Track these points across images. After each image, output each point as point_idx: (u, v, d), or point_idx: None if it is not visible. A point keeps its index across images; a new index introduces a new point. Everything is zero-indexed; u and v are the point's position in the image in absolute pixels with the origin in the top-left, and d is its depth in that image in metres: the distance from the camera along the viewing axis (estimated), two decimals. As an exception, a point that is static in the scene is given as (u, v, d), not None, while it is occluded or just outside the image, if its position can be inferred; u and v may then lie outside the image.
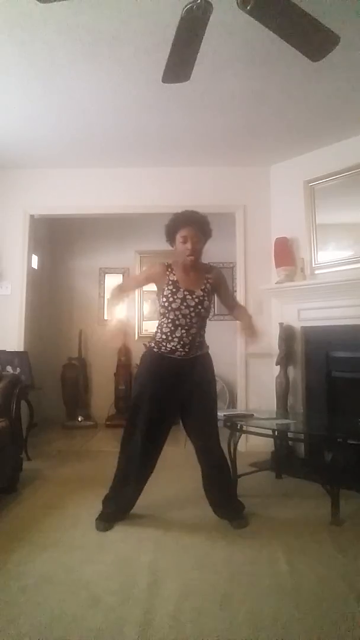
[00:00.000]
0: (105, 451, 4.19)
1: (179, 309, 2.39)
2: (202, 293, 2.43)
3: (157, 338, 2.47)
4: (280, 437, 3.34)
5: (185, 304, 2.39)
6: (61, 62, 2.72)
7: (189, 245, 2.40)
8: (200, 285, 2.44)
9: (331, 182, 3.81)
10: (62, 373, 5.55)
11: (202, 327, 2.48)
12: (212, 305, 2.51)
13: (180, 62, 2.10)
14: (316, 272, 3.87)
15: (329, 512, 2.50)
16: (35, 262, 4.99)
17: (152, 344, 2.49)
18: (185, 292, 2.41)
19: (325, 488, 2.62)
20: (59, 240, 5.85)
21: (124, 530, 2.38)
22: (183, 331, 2.40)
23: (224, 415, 3.09)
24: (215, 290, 2.54)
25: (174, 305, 2.39)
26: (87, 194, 4.37)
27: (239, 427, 3.00)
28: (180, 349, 2.42)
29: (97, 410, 5.62)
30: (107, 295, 2.92)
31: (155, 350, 2.47)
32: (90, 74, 2.85)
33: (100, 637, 1.53)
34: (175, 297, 2.40)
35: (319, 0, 2.15)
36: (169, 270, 2.47)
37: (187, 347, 2.42)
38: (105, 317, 5.84)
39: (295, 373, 3.92)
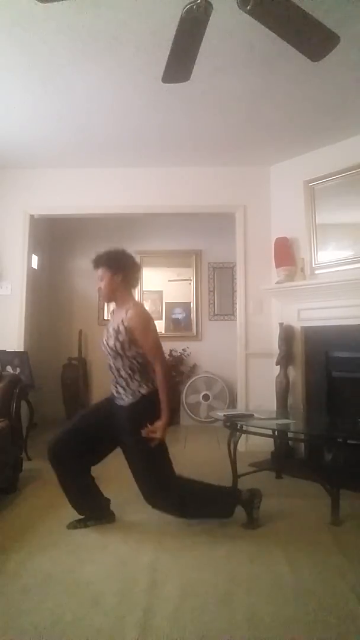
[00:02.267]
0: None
1: (103, 349, 2.41)
2: (112, 332, 2.33)
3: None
4: (280, 437, 3.34)
5: (103, 343, 2.40)
6: (61, 62, 2.72)
7: (100, 285, 2.45)
8: (115, 325, 2.35)
9: (331, 182, 3.81)
10: (62, 373, 5.55)
11: (119, 368, 2.34)
12: (128, 348, 2.29)
13: (180, 62, 2.10)
14: (316, 272, 3.87)
15: (329, 512, 2.50)
16: (35, 262, 4.99)
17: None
18: (105, 332, 2.42)
19: (325, 488, 2.62)
20: (59, 240, 5.85)
21: (124, 530, 2.38)
22: (110, 370, 2.41)
23: (224, 415, 3.09)
24: (132, 334, 2.29)
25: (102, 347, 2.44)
26: (87, 194, 4.37)
27: (239, 427, 3.00)
28: (114, 388, 2.41)
29: (97, 410, 5.61)
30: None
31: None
32: (90, 74, 2.85)
33: (100, 637, 1.53)
34: (103, 339, 2.43)
35: (319, 0, 2.15)
36: (111, 313, 2.56)
37: (113, 386, 2.41)
38: (106, 317, 5.85)
39: (295, 373, 3.92)
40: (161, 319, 5.89)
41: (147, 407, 2.29)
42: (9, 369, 3.89)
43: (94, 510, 2.48)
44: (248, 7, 1.77)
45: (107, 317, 5.87)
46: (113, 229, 5.60)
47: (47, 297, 5.65)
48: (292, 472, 3.33)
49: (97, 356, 5.68)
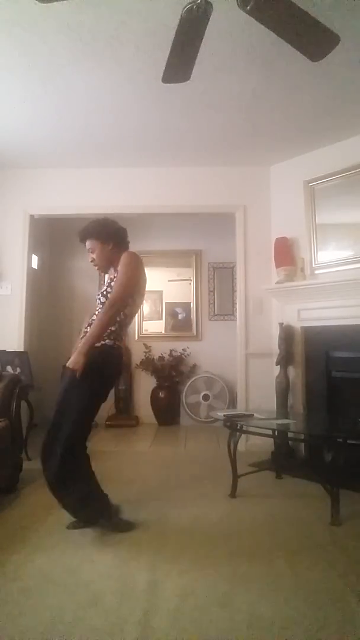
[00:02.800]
0: (105, 451, 4.18)
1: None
2: (106, 287, 2.38)
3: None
4: (280, 437, 3.34)
5: (97, 301, 2.39)
6: (61, 62, 2.72)
7: (91, 257, 2.50)
8: (113, 275, 2.43)
9: (331, 182, 3.81)
10: (62, 373, 5.54)
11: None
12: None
13: (180, 62, 2.10)
14: (316, 272, 3.87)
15: (329, 512, 2.50)
16: (35, 262, 4.99)
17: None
18: (99, 291, 2.44)
19: (325, 488, 2.62)
20: (59, 240, 5.85)
21: (124, 530, 2.37)
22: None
23: (224, 415, 3.09)
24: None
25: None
26: (87, 194, 4.37)
27: (239, 427, 3.00)
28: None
29: (97, 410, 5.61)
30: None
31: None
32: (90, 74, 2.85)
33: (100, 637, 1.53)
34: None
35: (319, 0, 2.15)
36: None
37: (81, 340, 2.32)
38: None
39: (295, 373, 3.92)
40: (161, 319, 5.89)
41: (100, 356, 2.23)
42: (9, 369, 3.89)
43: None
44: (248, 7, 1.77)
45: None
46: (113, 229, 5.58)
47: (47, 297, 5.65)
48: (292, 472, 3.33)
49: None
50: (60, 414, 2.28)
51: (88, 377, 2.19)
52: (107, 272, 2.55)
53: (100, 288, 2.50)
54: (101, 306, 2.34)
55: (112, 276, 2.43)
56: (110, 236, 2.46)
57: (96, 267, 2.53)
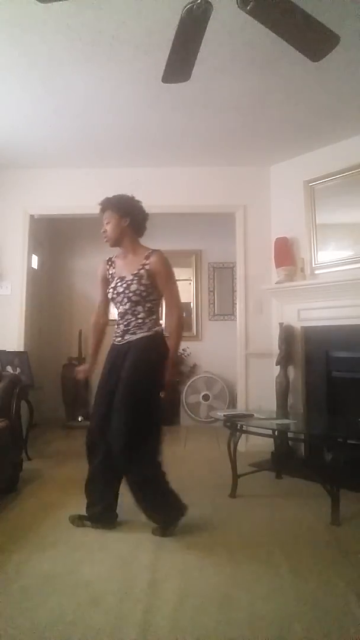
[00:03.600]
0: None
1: (113, 299, 2.43)
2: (132, 277, 2.36)
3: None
4: (280, 437, 3.34)
5: (115, 292, 2.40)
6: (61, 62, 2.72)
7: (104, 229, 2.44)
8: (132, 270, 2.38)
9: (331, 182, 3.81)
10: (62, 373, 5.55)
11: (137, 313, 2.36)
12: (151, 291, 2.36)
13: (180, 62, 2.10)
14: (316, 272, 3.87)
15: (329, 512, 2.50)
16: (35, 262, 4.99)
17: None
18: (117, 281, 2.41)
19: (325, 488, 2.62)
20: (59, 240, 5.85)
21: (124, 530, 2.38)
22: (119, 318, 2.41)
23: (224, 415, 3.09)
24: (154, 278, 2.37)
25: (109, 297, 2.45)
26: (87, 194, 4.35)
27: (239, 427, 3.00)
28: (119, 335, 2.41)
29: (97, 410, 5.61)
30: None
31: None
32: (90, 74, 2.85)
33: (100, 637, 1.53)
34: (110, 287, 2.44)
35: (319, 0, 2.15)
36: (109, 264, 2.52)
37: (121, 331, 2.39)
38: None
39: (295, 373, 3.92)
40: (161, 319, 5.89)
41: (159, 343, 2.37)
42: (9, 369, 3.89)
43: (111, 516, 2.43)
44: (248, 7, 1.77)
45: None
46: (113, 229, 5.58)
47: (47, 297, 5.65)
48: (292, 472, 3.33)
49: (98, 356, 5.68)
50: (145, 421, 2.29)
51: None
52: (113, 246, 2.48)
53: (108, 283, 2.46)
54: (130, 309, 2.36)
55: (130, 273, 2.37)
56: (129, 212, 2.44)
57: (105, 240, 2.46)
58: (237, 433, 3.00)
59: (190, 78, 2.24)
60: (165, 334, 2.43)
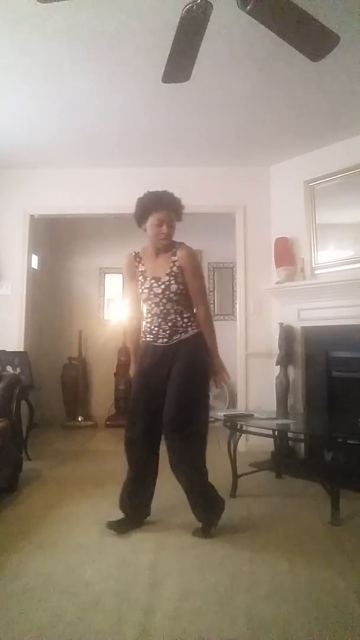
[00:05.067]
0: (105, 451, 4.19)
1: (149, 298, 2.38)
2: (167, 278, 2.33)
3: (143, 327, 2.48)
4: (280, 437, 3.34)
5: (152, 292, 2.35)
6: (61, 62, 2.72)
7: (164, 229, 2.33)
8: (166, 270, 2.35)
9: (331, 182, 3.81)
10: (62, 373, 5.55)
11: (182, 311, 2.36)
12: (185, 285, 2.35)
13: (180, 62, 2.10)
14: (316, 272, 3.87)
15: (329, 512, 2.50)
16: (35, 262, 4.99)
17: (142, 333, 2.49)
18: (152, 281, 2.36)
19: (325, 488, 2.62)
20: (59, 240, 5.85)
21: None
22: (160, 319, 2.36)
23: (224, 415, 3.09)
24: (184, 272, 2.35)
25: (144, 296, 2.40)
26: (87, 194, 4.37)
27: (239, 427, 3.00)
28: (162, 336, 2.36)
29: (97, 410, 5.62)
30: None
31: (143, 339, 2.47)
32: (91, 74, 2.85)
33: (100, 637, 1.53)
34: (144, 287, 2.39)
35: (319, 0, 2.15)
36: (137, 260, 2.46)
37: (167, 332, 2.35)
38: (106, 317, 5.85)
39: (295, 373, 3.92)
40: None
41: (204, 340, 2.38)
42: (9, 369, 3.89)
43: (143, 508, 2.43)
44: (248, 7, 1.77)
45: (106, 316, 5.87)
46: (113, 229, 5.60)
47: (47, 297, 5.64)
48: (292, 472, 3.33)
49: (97, 356, 5.69)
50: (202, 414, 2.32)
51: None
52: (162, 250, 2.39)
53: (141, 285, 2.41)
54: (173, 309, 2.34)
55: (165, 273, 2.34)
56: (181, 214, 2.41)
57: (164, 242, 2.36)
58: (237, 433, 3.00)
59: (190, 78, 2.24)
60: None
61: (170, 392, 2.28)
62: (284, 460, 3.59)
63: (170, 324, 2.35)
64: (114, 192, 4.36)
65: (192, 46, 2.00)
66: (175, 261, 2.34)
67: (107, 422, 5.41)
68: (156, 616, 1.64)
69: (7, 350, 4.04)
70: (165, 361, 2.34)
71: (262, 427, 2.99)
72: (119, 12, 2.31)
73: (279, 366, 3.89)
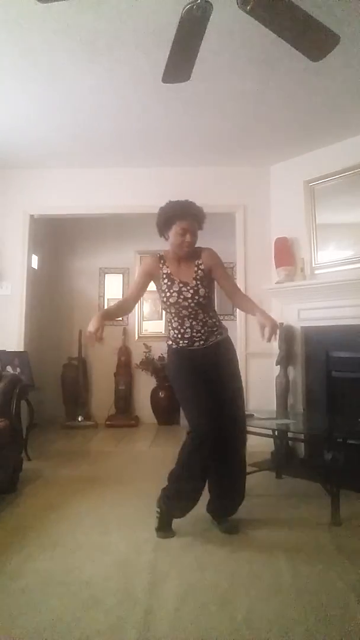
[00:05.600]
0: (105, 451, 4.19)
1: (177, 302, 2.37)
2: (195, 282, 2.36)
3: (171, 335, 2.47)
4: (280, 437, 3.34)
5: (182, 296, 2.36)
6: (61, 62, 2.72)
7: (188, 238, 2.35)
8: (192, 274, 2.38)
9: (331, 182, 3.81)
10: (62, 373, 5.55)
11: (209, 311, 2.43)
12: (211, 290, 2.43)
13: (180, 62, 2.10)
14: (316, 272, 3.87)
15: (329, 512, 2.50)
16: (35, 262, 4.99)
17: (171, 342, 2.48)
18: (180, 285, 2.37)
19: (325, 488, 2.62)
20: (59, 240, 5.85)
21: (124, 530, 2.38)
22: (192, 321, 2.38)
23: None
24: (209, 273, 2.41)
25: (172, 300, 2.38)
26: (87, 194, 4.37)
27: (239, 427, 2.99)
28: (198, 339, 2.39)
29: (97, 410, 5.62)
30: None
31: (174, 347, 2.45)
32: (90, 74, 2.85)
33: (100, 637, 1.53)
34: (172, 290, 2.38)
35: (319, 0, 2.15)
36: (162, 262, 2.46)
37: (204, 334, 2.39)
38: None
39: (295, 373, 3.92)
40: (161, 319, 5.89)
41: (232, 343, 2.51)
42: (9, 369, 3.89)
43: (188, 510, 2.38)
44: (248, 7, 1.77)
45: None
46: (113, 229, 5.60)
47: (47, 297, 5.65)
48: (292, 472, 3.33)
49: (97, 356, 5.69)
50: (241, 394, 2.52)
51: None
52: (185, 258, 2.42)
53: (168, 288, 2.41)
54: (203, 312, 2.38)
55: (192, 278, 2.37)
56: (203, 222, 2.43)
57: (188, 250, 2.38)
58: (237, 433, 3.00)
59: (190, 78, 2.24)
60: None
61: (229, 389, 2.40)
62: (284, 460, 3.59)
63: (201, 323, 2.39)
64: (114, 192, 4.37)
65: (192, 46, 2.00)
66: (200, 265, 2.39)
67: (107, 422, 5.41)
68: (156, 616, 1.64)
69: (7, 350, 4.04)
70: (206, 362, 2.38)
71: (262, 427, 3.00)
72: (119, 12, 2.31)
73: (279, 366, 3.89)
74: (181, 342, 2.42)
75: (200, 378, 2.36)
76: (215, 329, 2.43)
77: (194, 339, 2.39)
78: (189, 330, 2.39)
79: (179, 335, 2.42)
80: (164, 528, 2.32)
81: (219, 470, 2.37)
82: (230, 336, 2.53)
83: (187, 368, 2.40)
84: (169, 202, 2.41)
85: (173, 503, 2.32)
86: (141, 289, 2.49)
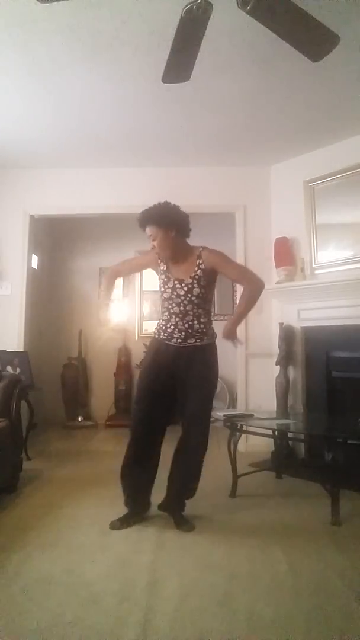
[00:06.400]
0: (105, 451, 4.19)
1: (170, 298, 2.41)
2: (191, 281, 2.38)
3: (158, 324, 2.51)
4: (280, 437, 3.34)
5: (175, 293, 2.39)
6: (61, 62, 2.72)
7: (155, 244, 2.43)
8: (190, 273, 2.39)
9: (331, 182, 3.81)
10: (62, 373, 5.55)
11: (201, 315, 2.41)
12: (208, 291, 2.42)
13: (180, 62, 2.10)
14: (316, 272, 3.87)
15: (329, 512, 2.49)
16: (35, 262, 4.99)
17: (155, 331, 2.52)
18: (175, 282, 2.40)
19: (325, 488, 2.62)
20: (59, 240, 5.85)
21: (124, 530, 2.38)
22: (178, 319, 2.40)
23: (224, 415, 3.09)
24: (214, 273, 2.42)
25: (165, 295, 2.44)
26: (87, 194, 4.37)
27: (239, 427, 3.00)
28: (177, 336, 2.40)
29: (97, 410, 5.62)
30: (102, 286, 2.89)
31: (156, 336, 2.50)
32: (90, 74, 2.85)
33: (100, 637, 1.53)
34: (167, 286, 2.43)
35: (319, 1, 2.15)
36: (160, 259, 2.50)
37: (183, 333, 2.39)
38: (102, 314, 5.84)
39: (295, 373, 3.92)
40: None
41: (215, 351, 2.48)
42: (9, 369, 3.89)
43: (144, 502, 2.49)
44: (248, 7, 1.77)
45: (102, 314, 5.86)
46: (113, 229, 5.60)
47: (47, 297, 5.65)
48: (292, 472, 3.33)
49: (97, 356, 5.69)
50: (208, 407, 2.49)
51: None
52: (168, 260, 2.46)
53: (164, 284, 2.47)
54: (192, 311, 2.39)
55: (189, 276, 2.39)
56: (173, 223, 2.40)
57: (161, 254, 2.45)
58: (237, 433, 3.00)
59: (190, 78, 2.24)
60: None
61: (193, 392, 2.39)
62: (284, 460, 3.59)
63: (187, 325, 2.40)
64: (113, 192, 4.36)
65: (192, 46, 2.00)
66: (201, 264, 2.40)
67: (107, 422, 5.41)
68: (156, 616, 1.64)
69: (7, 350, 4.04)
70: (178, 362, 2.40)
71: (262, 427, 3.00)
72: (119, 12, 2.31)
73: (279, 366, 3.89)
74: (163, 334, 2.45)
75: (166, 376, 2.41)
76: (198, 334, 2.41)
77: (174, 335, 2.41)
78: (172, 326, 2.42)
79: (163, 327, 2.46)
80: (119, 523, 2.40)
81: (172, 466, 2.48)
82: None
83: (159, 363, 2.44)
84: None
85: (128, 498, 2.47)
86: (133, 268, 2.72)
